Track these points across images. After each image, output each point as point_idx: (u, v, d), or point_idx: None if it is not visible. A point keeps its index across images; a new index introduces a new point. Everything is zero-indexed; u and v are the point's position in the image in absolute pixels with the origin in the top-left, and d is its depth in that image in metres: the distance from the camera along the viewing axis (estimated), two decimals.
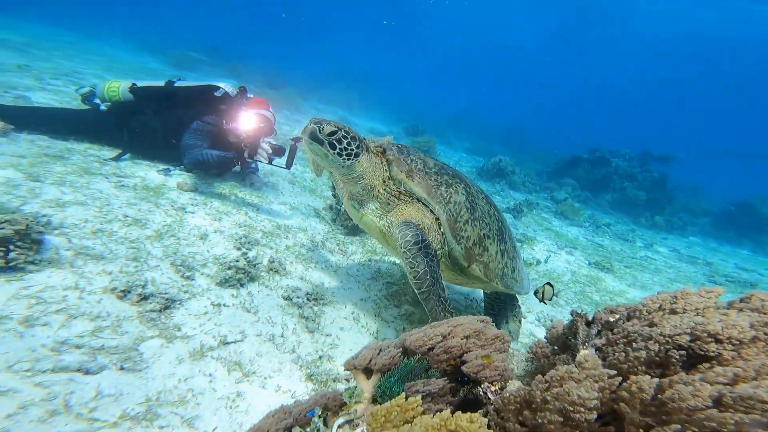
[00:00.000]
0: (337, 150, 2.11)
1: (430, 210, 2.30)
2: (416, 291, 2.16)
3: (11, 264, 1.88)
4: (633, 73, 49.55)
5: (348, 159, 2.14)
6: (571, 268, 5.15)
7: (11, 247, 1.90)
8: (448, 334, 1.21)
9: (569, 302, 4.05)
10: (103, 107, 4.01)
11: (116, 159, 3.74)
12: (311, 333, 2.29)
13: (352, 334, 2.40)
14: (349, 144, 2.12)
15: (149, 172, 3.74)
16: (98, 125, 3.92)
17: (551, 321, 3.48)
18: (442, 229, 2.28)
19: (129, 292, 1.99)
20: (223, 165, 3.89)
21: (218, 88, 3.98)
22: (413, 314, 2.80)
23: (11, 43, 9.72)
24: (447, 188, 2.33)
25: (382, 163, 2.34)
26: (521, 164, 11.41)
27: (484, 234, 2.40)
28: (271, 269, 2.74)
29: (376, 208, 2.37)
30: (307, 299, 2.52)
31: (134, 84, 3.96)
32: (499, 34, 47.75)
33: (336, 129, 2.09)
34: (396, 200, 2.34)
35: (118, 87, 3.97)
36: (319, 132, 2.07)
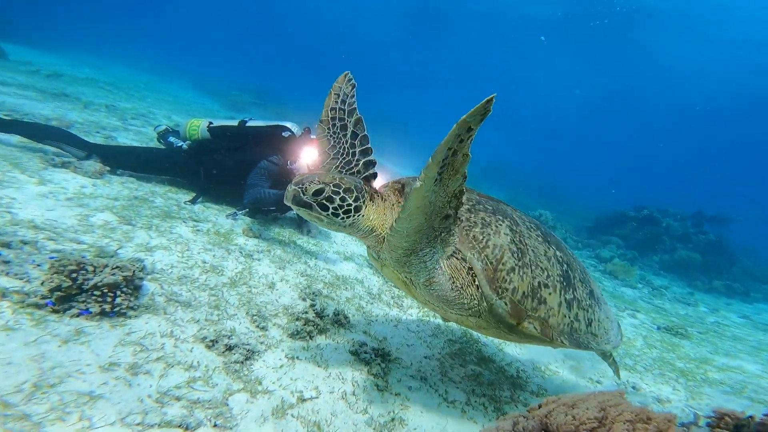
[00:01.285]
0: (330, 211, 1.79)
1: (462, 258, 1.88)
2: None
3: (116, 309, 2.02)
4: (678, 131, 48.65)
5: (347, 217, 1.82)
6: (640, 333, 4.90)
7: (118, 292, 2.06)
8: (604, 418, 1.06)
9: (649, 369, 3.81)
10: (185, 146, 4.36)
11: (192, 202, 4.03)
12: (381, 392, 2.27)
13: (421, 394, 2.35)
14: (343, 200, 1.79)
15: (219, 217, 3.98)
16: (180, 164, 4.27)
17: (633, 388, 3.26)
18: (477, 282, 1.88)
19: (216, 342, 2.07)
20: (280, 204, 4.01)
21: (286, 128, 4.25)
22: (481, 375, 2.72)
23: (99, 83, 10.96)
24: (483, 229, 1.92)
25: (396, 205, 1.99)
26: (560, 219, 11.21)
27: (539, 283, 1.96)
28: (336, 322, 2.78)
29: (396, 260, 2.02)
30: (375, 355, 2.52)
31: (211, 123, 4.30)
32: (540, 85, 48.76)
33: (322, 186, 1.76)
34: None
35: (198, 126, 4.34)
36: (303, 194, 1.76)
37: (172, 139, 4.74)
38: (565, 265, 2.15)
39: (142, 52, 23.34)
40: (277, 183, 4.21)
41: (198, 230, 3.46)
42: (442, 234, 1.75)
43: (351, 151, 2.17)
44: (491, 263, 1.88)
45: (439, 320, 3.42)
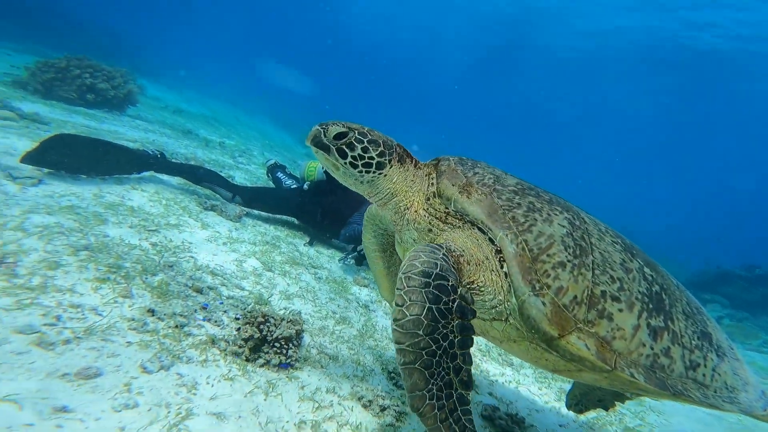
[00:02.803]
0: (349, 159, 1.65)
1: (489, 239, 1.61)
2: (396, 351, 1.36)
3: (288, 360, 2.31)
4: None
5: (367, 172, 1.68)
6: None
7: (291, 345, 2.35)
8: None
9: None
10: (305, 186, 4.86)
11: (309, 244, 4.44)
12: None
13: None
14: (365, 150, 1.65)
15: (332, 263, 4.32)
16: (300, 205, 4.75)
17: None
18: (505, 268, 1.57)
19: (372, 402, 2.27)
20: None
21: None
22: None
23: (209, 119, 12.46)
24: (529, 212, 1.64)
25: (428, 176, 1.81)
26: None
27: (604, 293, 1.57)
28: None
29: (414, 240, 1.80)
30: (510, 422, 2.51)
31: None
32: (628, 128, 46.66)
33: (346, 130, 1.65)
34: (441, 225, 1.72)
35: (314, 168, 4.83)
36: (324, 135, 1.65)
37: (280, 174, 5.29)
38: (656, 287, 1.74)
39: (226, 85, 26.15)
40: None
41: (318, 278, 3.79)
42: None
43: None
44: (529, 248, 1.55)
45: (561, 383, 3.36)
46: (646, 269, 1.78)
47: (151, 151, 4.37)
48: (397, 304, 1.38)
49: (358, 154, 1.66)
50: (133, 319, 2.06)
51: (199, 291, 2.63)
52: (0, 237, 2.31)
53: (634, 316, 1.59)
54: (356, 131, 1.67)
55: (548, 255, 1.56)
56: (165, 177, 4.52)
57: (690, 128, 38.55)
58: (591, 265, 1.60)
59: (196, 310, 2.36)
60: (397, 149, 1.76)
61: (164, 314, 2.19)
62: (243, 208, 4.44)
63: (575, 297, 1.53)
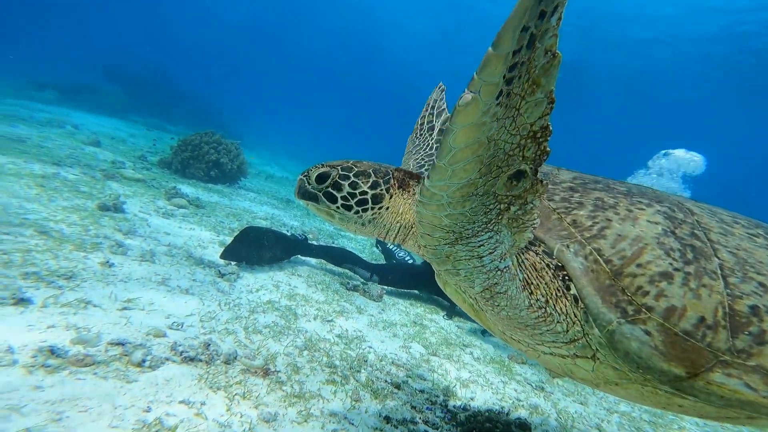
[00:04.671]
0: (340, 202, 1.44)
1: (545, 252, 1.26)
2: None
3: None
4: None
5: (364, 210, 1.45)
6: None
7: None
8: None
9: None
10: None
11: (448, 317, 4.59)
12: None
13: None
14: (354, 186, 1.43)
15: (477, 338, 4.38)
16: (430, 279, 4.95)
17: None
18: (573, 290, 1.21)
19: None
20: None
21: None
22: None
23: (291, 182, 13.48)
24: (596, 211, 1.28)
25: None
26: None
27: (754, 307, 1.12)
28: None
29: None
30: None
31: None
32: None
33: (327, 170, 1.46)
34: None
35: None
36: (308, 183, 1.47)
37: (390, 246, 5.52)
38: None
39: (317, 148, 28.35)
40: None
41: (477, 358, 3.86)
42: (512, 207, 1.06)
43: (434, 144, 2.04)
44: (607, 261, 1.18)
45: None
46: None
47: (300, 235, 4.87)
48: None
49: (348, 193, 1.43)
50: (376, 428, 2.26)
51: (398, 387, 2.83)
52: (251, 342, 2.69)
53: None
54: (338, 168, 1.46)
55: (639, 265, 1.16)
56: (308, 259, 4.99)
57: None
58: (718, 272, 1.17)
59: (417, 417, 2.53)
60: (395, 174, 1.51)
61: (397, 421, 2.38)
62: (382, 286, 4.72)
63: (702, 319, 1.11)
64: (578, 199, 1.33)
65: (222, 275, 3.59)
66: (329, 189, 1.43)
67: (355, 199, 1.43)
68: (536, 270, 1.24)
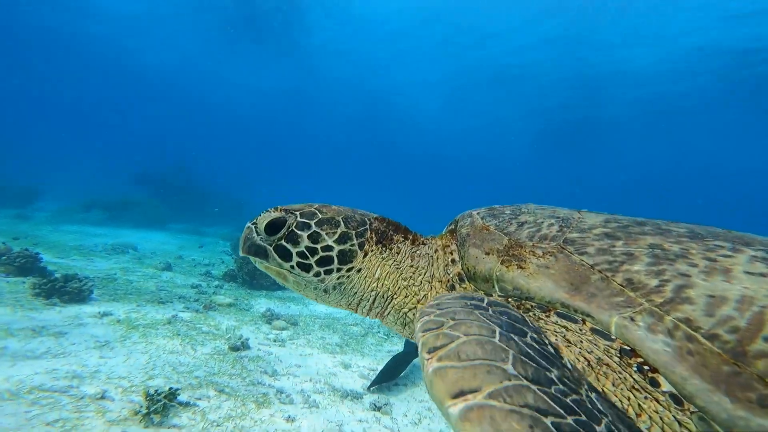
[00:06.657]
0: (295, 260, 1.12)
1: (594, 330, 0.88)
2: None
3: None
4: None
5: (327, 272, 1.14)
6: None
7: None
8: None
9: None
10: None
11: None
12: None
13: None
14: (315, 239, 1.12)
15: None
16: None
17: None
18: (666, 386, 0.78)
19: None
20: None
21: None
22: None
23: None
24: (658, 264, 0.90)
25: (444, 251, 1.17)
26: None
27: None
28: None
29: None
30: None
31: None
32: None
33: (281, 215, 1.15)
34: None
35: None
36: (256, 233, 1.17)
37: None
38: None
39: None
40: None
41: None
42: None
43: None
44: (710, 337, 0.77)
45: None
46: None
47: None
48: None
49: (307, 248, 1.11)
50: None
51: None
52: None
53: None
54: (297, 213, 1.15)
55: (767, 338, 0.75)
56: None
57: None
58: None
59: None
60: (375, 224, 1.20)
61: None
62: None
63: None
64: (623, 248, 0.95)
65: (377, 407, 3.81)
66: (282, 242, 1.13)
67: (316, 257, 1.12)
68: (599, 365, 0.86)
